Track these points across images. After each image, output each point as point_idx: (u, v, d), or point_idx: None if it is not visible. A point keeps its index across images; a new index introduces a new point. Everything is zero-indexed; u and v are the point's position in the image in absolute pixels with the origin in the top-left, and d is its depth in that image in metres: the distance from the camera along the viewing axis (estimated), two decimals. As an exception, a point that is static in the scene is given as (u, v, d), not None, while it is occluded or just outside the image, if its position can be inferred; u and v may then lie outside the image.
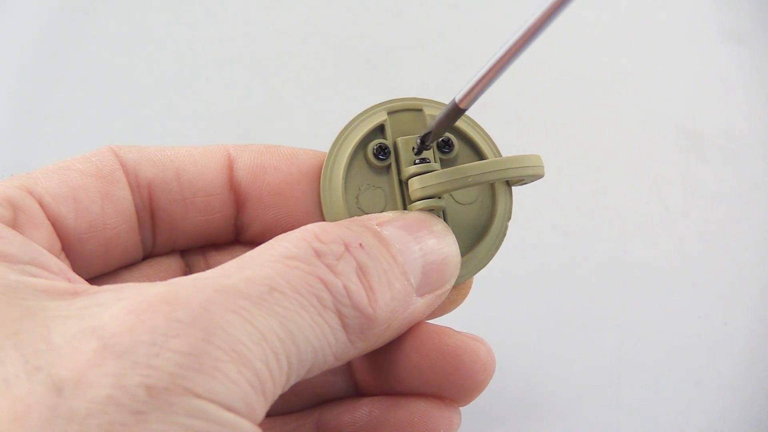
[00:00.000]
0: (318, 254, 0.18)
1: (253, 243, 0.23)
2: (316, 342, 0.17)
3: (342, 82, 0.42)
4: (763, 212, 0.38)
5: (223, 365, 0.15)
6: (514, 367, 0.34)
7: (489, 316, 0.35)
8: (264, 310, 0.17)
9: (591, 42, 0.44)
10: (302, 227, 0.19)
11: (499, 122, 0.40)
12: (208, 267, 0.24)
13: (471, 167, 0.21)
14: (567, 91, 0.42)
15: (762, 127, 0.41)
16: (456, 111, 0.21)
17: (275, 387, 0.16)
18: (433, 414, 0.21)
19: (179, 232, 0.23)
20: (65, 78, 0.42)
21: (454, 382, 0.21)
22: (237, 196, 0.23)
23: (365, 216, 0.21)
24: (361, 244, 0.19)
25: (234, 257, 0.19)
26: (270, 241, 0.19)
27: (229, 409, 0.15)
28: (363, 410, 0.22)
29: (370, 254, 0.19)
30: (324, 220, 0.23)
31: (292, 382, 0.17)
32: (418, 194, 0.22)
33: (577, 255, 0.37)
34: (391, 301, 0.19)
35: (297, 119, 0.41)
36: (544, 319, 0.35)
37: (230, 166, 0.23)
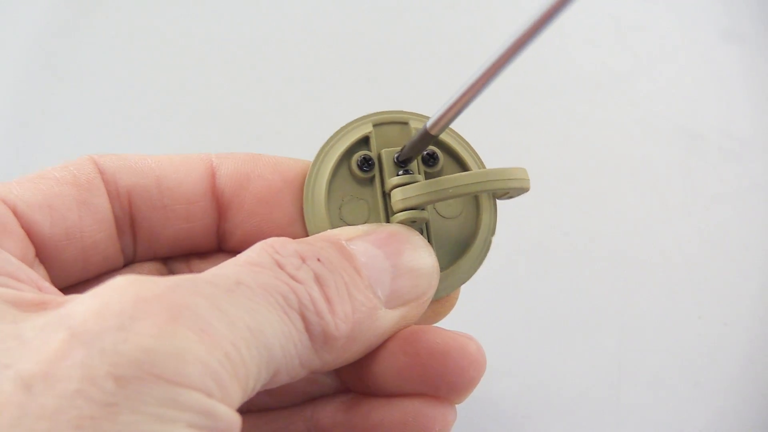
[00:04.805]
0: (279, 264, 0.18)
1: (236, 251, 0.24)
2: (283, 340, 0.17)
3: (337, 85, 0.42)
4: (763, 212, 0.38)
5: (192, 346, 0.15)
6: (513, 367, 0.34)
7: (488, 316, 0.35)
8: (231, 300, 0.16)
9: (591, 42, 0.44)
10: (263, 240, 0.19)
11: (498, 122, 0.41)
12: (191, 273, 0.24)
13: (453, 178, 0.21)
14: (567, 91, 0.42)
15: (762, 127, 0.41)
16: (427, 137, 0.21)
17: (248, 375, 0.16)
18: (427, 413, 0.21)
19: (160, 239, 0.23)
20: (59, 87, 0.42)
21: (445, 381, 0.21)
22: (219, 204, 0.23)
23: (336, 230, 0.21)
24: (318, 259, 0.19)
25: (215, 262, 0.19)
26: (235, 257, 0.19)
27: (202, 392, 0.15)
28: (358, 410, 0.22)
29: (327, 267, 0.19)
30: (306, 230, 0.23)
31: (263, 380, 0.17)
32: (400, 205, 0.22)
33: (577, 255, 0.37)
34: (353, 313, 0.19)
35: (287, 127, 0.41)
36: (543, 319, 0.35)
37: (212, 174, 0.23)
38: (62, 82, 0.42)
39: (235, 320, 0.16)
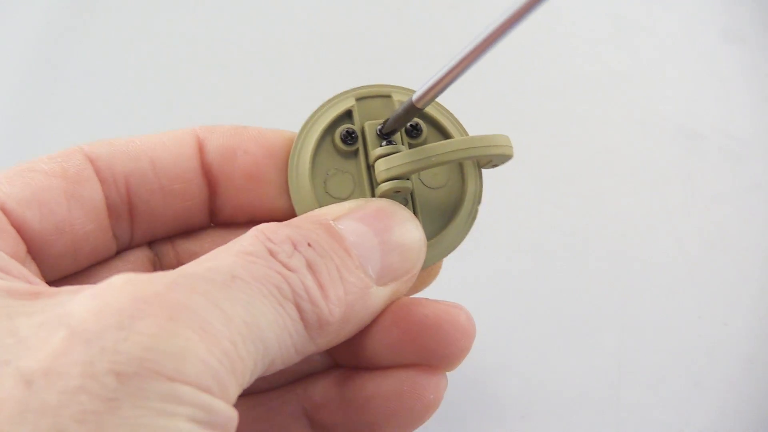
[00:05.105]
0: (272, 253, 0.18)
1: (228, 225, 0.24)
2: (279, 331, 0.17)
3: (335, 83, 0.42)
4: (763, 212, 0.38)
5: (192, 345, 0.15)
6: (513, 367, 0.34)
7: (488, 315, 0.35)
8: (228, 295, 0.17)
9: (591, 42, 0.44)
10: (254, 227, 0.19)
11: (498, 122, 0.41)
12: (176, 255, 0.24)
13: (437, 146, 0.21)
14: (567, 91, 0.42)
15: (762, 127, 0.41)
16: (413, 110, 0.21)
17: (244, 370, 0.16)
18: (420, 382, 0.21)
19: (158, 221, 0.23)
20: (59, 86, 0.42)
21: (438, 352, 0.21)
22: (209, 180, 0.23)
23: (322, 209, 0.21)
24: (309, 243, 0.19)
25: (202, 244, 0.19)
26: (227, 243, 0.19)
27: (201, 389, 0.15)
28: (351, 384, 0.22)
29: (318, 251, 0.19)
30: (292, 205, 0.23)
31: (258, 372, 0.17)
32: (384, 176, 0.22)
33: (577, 255, 0.37)
34: (346, 296, 0.19)
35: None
36: (543, 319, 0.35)
37: (201, 150, 0.23)
38: (62, 81, 0.42)
39: (232, 316, 0.16)
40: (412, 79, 0.41)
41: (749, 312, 0.36)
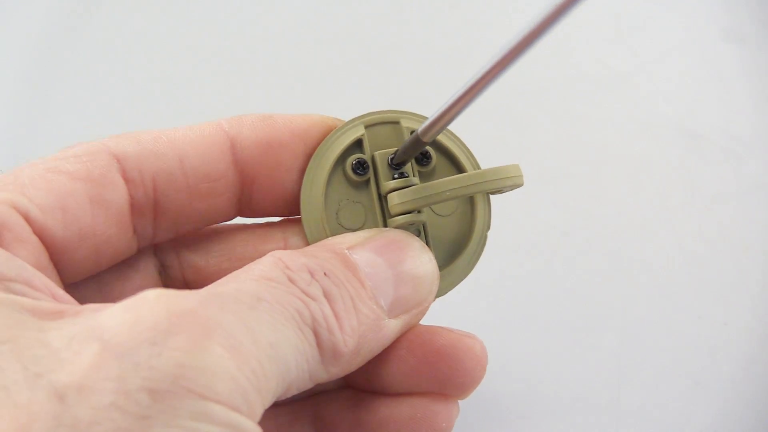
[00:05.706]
0: (291, 280, 0.19)
1: (261, 216, 0.24)
2: (298, 355, 0.18)
3: (336, 84, 0.42)
4: (763, 212, 0.38)
5: (223, 362, 0.15)
6: (513, 367, 0.34)
7: (489, 316, 0.35)
8: (255, 316, 0.17)
9: (591, 42, 0.44)
10: (271, 254, 0.19)
11: (498, 122, 0.41)
12: (180, 266, 0.24)
13: (450, 181, 0.21)
14: (567, 91, 0.42)
15: (762, 127, 0.41)
16: (419, 143, 0.21)
17: (268, 390, 0.16)
18: (434, 409, 0.22)
19: (183, 218, 0.23)
20: (64, 77, 0.42)
21: (452, 380, 0.21)
22: (242, 176, 0.23)
23: (337, 238, 0.21)
24: (325, 273, 0.19)
25: (207, 258, 0.20)
26: (244, 267, 0.19)
27: (232, 408, 0.15)
28: (364, 407, 0.23)
29: (334, 281, 0.19)
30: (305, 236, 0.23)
31: (278, 394, 0.17)
32: (398, 209, 0.22)
33: (577, 255, 0.37)
34: (359, 326, 0.19)
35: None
36: (543, 319, 0.35)
37: (232, 146, 0.22)
38: (62, 81, 0.42)
39: (259, 337, 0.16)
40: (419, 84, 0.40)
41: (749, 312, 0.36)
